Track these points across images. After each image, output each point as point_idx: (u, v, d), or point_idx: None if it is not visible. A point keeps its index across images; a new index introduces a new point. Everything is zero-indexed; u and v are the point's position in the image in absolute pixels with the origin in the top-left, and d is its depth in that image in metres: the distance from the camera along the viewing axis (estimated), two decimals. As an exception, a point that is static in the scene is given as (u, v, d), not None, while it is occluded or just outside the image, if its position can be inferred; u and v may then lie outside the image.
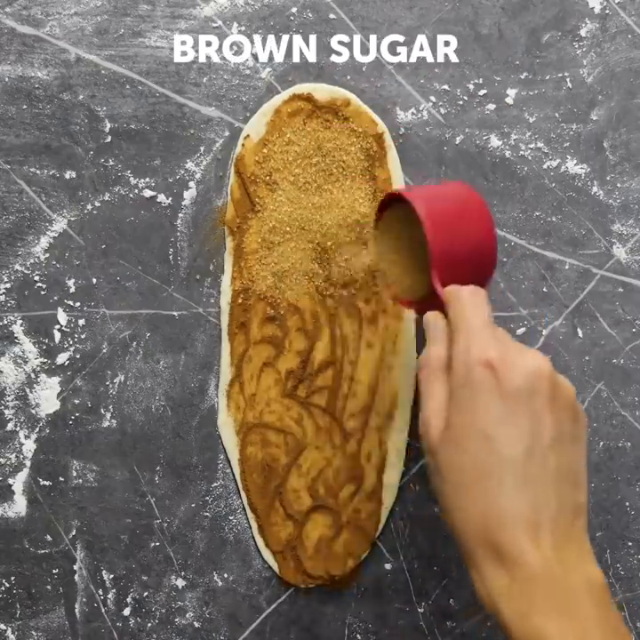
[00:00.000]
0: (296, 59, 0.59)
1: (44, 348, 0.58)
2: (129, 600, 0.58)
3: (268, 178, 0.57)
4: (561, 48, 0.59)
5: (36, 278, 0.58)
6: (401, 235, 0.49)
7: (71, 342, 0.58)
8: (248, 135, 0.58)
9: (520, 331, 0.58)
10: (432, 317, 0.44)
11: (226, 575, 0.58)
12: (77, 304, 0.58)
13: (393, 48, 0.59)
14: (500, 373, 0.39)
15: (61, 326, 0.58)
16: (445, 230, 0.46)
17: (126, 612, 0.58)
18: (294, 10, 0.59)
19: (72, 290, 0.58)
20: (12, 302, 0.58)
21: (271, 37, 0.59)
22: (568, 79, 0.59)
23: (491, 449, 0.38)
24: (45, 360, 0.58)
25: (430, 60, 0.59)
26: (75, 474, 0.58)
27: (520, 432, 0.38)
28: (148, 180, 0.59)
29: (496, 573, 0.37)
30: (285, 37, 0.59)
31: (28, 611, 0.58)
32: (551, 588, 0.36)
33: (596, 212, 0.59)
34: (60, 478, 0.58)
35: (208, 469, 0.58)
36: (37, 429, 0.58)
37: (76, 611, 0.58)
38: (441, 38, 0.59)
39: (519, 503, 0.37)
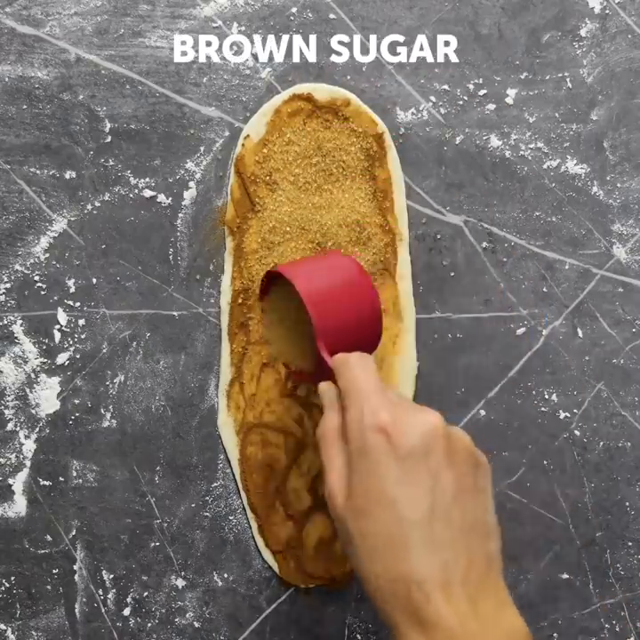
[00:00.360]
0: (296, 59, 0.59)
1: (44, 347, 0.58)
2: (129, 600, 0.58)
3: (268, 178, 0.57)
4: (561, 48, 0.59)
5: (36, 278, 0.58)
6: (288, 308, 0.50)
7: (71, 342, 0.58)
8: (248, 135, 0.58)
9: (520, 331, 0.58)
10: (325, 387, 0.45)
11: (226, 575, 0.58)
12: (77, 304, 0.58)
13: (393, 48, 0.59)
14: (393, 437, 0.39)
15: (61, 326, 0.58)
16: (328, 303, 0.47)
17: (126, 612, 0.58)
18: (294, 10, 0.59)
19: (72, 290, 0.58)
20: (12, 302, 0.58)
21: (271, 37, 0.59)
22: (568, 79, 0.59)
23: (394, 513, 0.38)
24: (45, 360, 0.58)
25: (430, 59, 0.59)
26: (75, 474, 0.58)
27: (421, 493, 0.38)
28: (147, 180, 0.59)
29: (418, 638, 0.37)
30: (285, 37, 0.59)
31: (28, 611, 0.58)
32: None
33: (596, 212, 0.59)
34: (60, 478, 0.58)
35: (208, 469, 0.58)
36: (37, 429, 0.58)
37: (76, 611, 0.58)
38: (441, 38, 0.59)
39: (429, 564, 0.37)
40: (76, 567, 0.58)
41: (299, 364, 0.51)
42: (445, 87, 0.59)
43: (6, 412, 0.58)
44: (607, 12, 0.59)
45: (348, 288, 0.48)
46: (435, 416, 0.41)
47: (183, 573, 0.58)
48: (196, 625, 0.57)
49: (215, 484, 0.58)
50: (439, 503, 0.38)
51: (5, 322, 0.58)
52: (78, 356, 0.58)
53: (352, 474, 0.40)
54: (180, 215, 0.59)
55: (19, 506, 0.58)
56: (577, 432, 0.58)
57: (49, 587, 0.58)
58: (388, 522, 0.38)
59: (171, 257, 0.59)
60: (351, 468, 0.40)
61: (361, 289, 0.48)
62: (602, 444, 0.58)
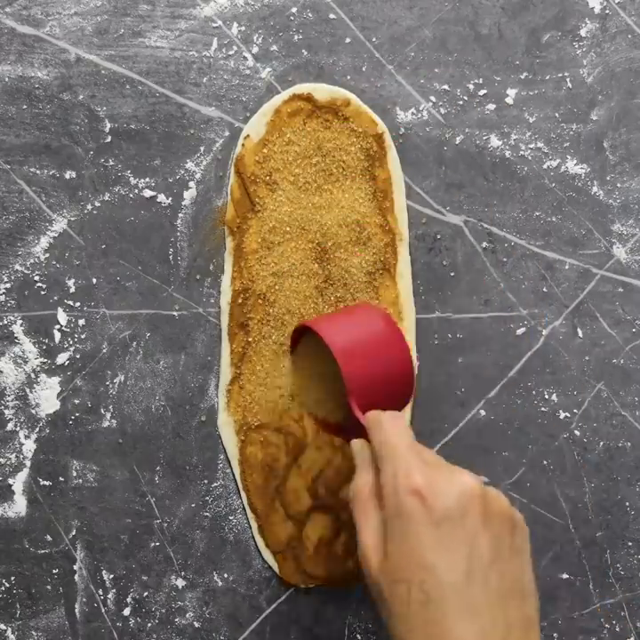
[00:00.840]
0: (296, 59, 0.59)
1: (44, 347, 0.58)
2: (129, 600, 0.58)
3: (268, 178, 0.57)
4: (561, 48, 0.59)
5: (36, 278, 0.58)
6: (318, 361, 0.49)
7: (71, 342, 0.58)
8: (248, 135, 0.58)
9: (520, 331, 0.58)
10: (358, 445, 0.45)
11: (226, 575, 0.58)
12: (77, 304, 0.58)
13: (393, 48, 0.59)
14: (428, 500, 0.38)
15: (61, 326, 0.58)
16: (360, 359, 0.46)
17: (126, 612, 0.58)
18: (294, 10, 0.59)
19: (72, 290, 0.58)
20: (12, 302, 0.58)
21: (271, 37, 0.59)
22: (568, 79, 0.59)
23: (431, 577, 0.37)
24: (45, 360, 0.58)
25: (430, 59, 0.59)
26: (75, 474, 0.58)
27: (457, 557, 0.37)
28: (148, 179, 0.59)
29: None
30: (285, 37, 0.59)
31: (28, 611, 0.58)
32: None
33: (596, 212, 0.59)
34: (60, 478, 0.58)
35: (208, 469, 0.58)
36: (37, 429, 0.58)
37: (76, 611, 0.58)
38: (441, 38, 0.59)
39: (467, 630, 0.37)
40: (75, 567, 0.58)
41: (328, 415, 0.50)
42: (445, 87, 0.59)
43: (6, 412, 0.58)
44: (607, 12, 0.59)
45: (380, 342, 0.47)
46: (470, 477, 0.40)
47: (183, 573, 0.58)
48: (196, 625, 0.57)
49: (215, 484, 0.58)
50: (476, 567, 0.38)
51: (5, 322, 0.58)
52: (78, 356, 0.58)
53: (387, 536, 0.39)
54: (180, 215, 0.59)
55: (19, 506, 0.58)
56: (577, 432, 0.58)
57: (49, 587, 0.58)
58: (426, 586, 0.37)
59: (171, 257, 0.59)
60: (386, 529, 0.40)
61: (393, 343, 0.47)
62: (602, 443, 0.58)
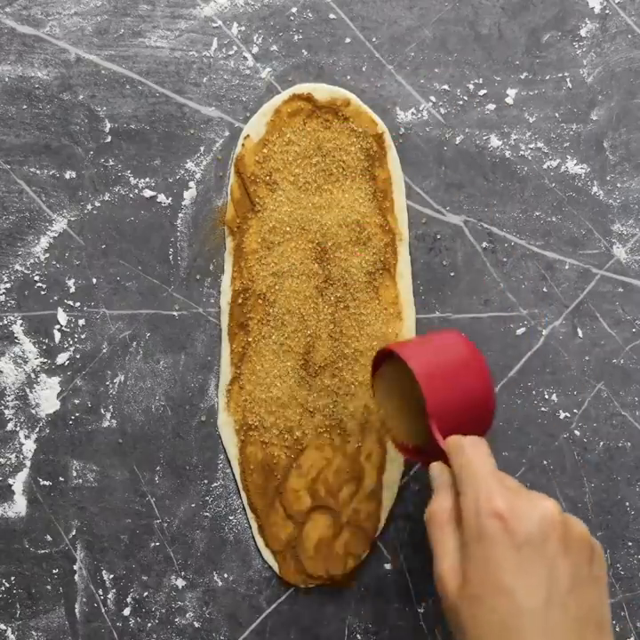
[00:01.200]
0: (296, 59, 0.59)
1: (44, 347, 0.58)
2: (129, 600, 0.58)
3: (268, 178, 0.57)
4: (561, 48, 0.59)
5: (36, 278, 0.58)
6: (401, 383, 0.49)
7: (71, 342, 0.58)
8: (248, 135, 0.58)
9: (520, 331, 0.58)
10: (438, 469, 0.45)
11: (226, 575, 0.58)
12: (77, 304, 0.58)
13: (393, 48, 0.59)
14: (509, 524, 0.38)
15: (61, 326, 0.58)
16: (442, 385, 0.46)
17: (126, 612, 0.58)
18: (294, 10, 0.59)
19: (72, 290, 0.58)
20: (12, 302, 0.58)
21: (271, 37, 0.59)
22: (568, 79, 0.59)
23: (511, 602, 0.37)
24: (45, 360, 0.58)
25: (430, 60, 0.59)
26: (75, 474, 0.58)
27: (537, 582, 0.38)
28: (148, 180, 0.59)
29: None
30: (285, 37, 0.59)
31: (28, 611, 0.58)
32: None
33: (596, 212, 0.59)
34: (60, 478, 0.58)
35: (208, 469, 0.58)
36: (37, 429, 0.58)
37: (76, 611, 0.58)
38: (441, 38, 0.59)
39: None
40: (75, 567, 0.58)
41: (407, 439, 0.50)
42: (445, 87, 0.59)
43: (6, 412, 0.58)
44: (607, 12, 0.59)
45: (461, 368, 0.48)
46: (551, 502, 0.40)
47: (183, 573, 0.58)
48: (196, 625, 0.57)
49: (215, 484, 0.58)
50: (555, 592, 0.38)
51: (5, 322, 0.58)
52: (78, 356, 0.58)
53: (466, 561, 0.39)
54: (180, 215, 0.59)
55: (19, 506, 0.58)
56: (577, 432, 0.58)
57: (49, 587, 0.58)
58: (505, 611, 0.38)
59: (171, 257, 0.59)
60: (465, 553, 0.40)
61: (474, 369, 0.48)
62: (602, 443, 0.58)
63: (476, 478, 0.41)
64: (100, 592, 0.58)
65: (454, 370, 0.48)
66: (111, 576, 0.58)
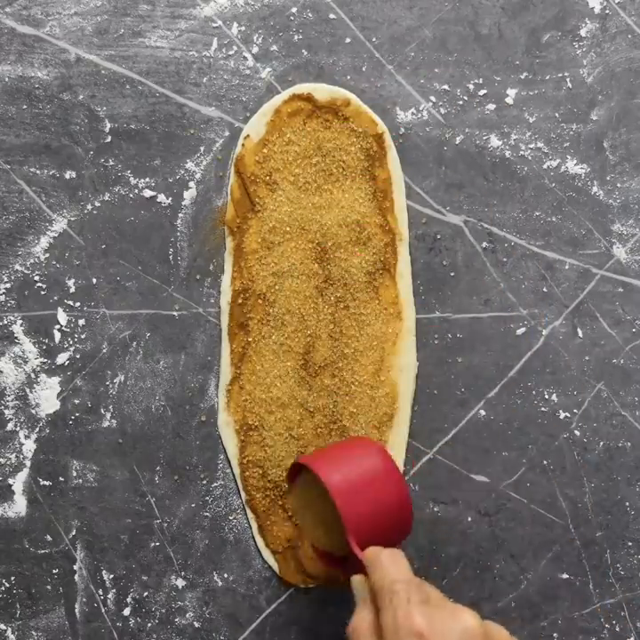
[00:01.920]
0: (296, 59, 0.59)
1: (44, 348, 0.58)
2: (129, 600, 0.58)
3: (268, 178, 0.57)
4: (561, 48, 0.59)
5: (36, 278, 0.58)
6: (318, 492, 0.49)
7: (71, 342, 0.58)
8: (248, 135, 0.58)
9: (520, 331, 0.58)
10: (358, 582, 0.44)
11: (226, 575, 0.58)
12: (77, 304, 0.58)
13: (393, 48, 0.59)
14: None
15: (61, 326, 0.58)
16: (357, 498, 0.46)
17: (126, 612, 0.58)
18: (294, 10, 0.59)
19: (72, 290, 0.58)
20: (12, 302, 0.58)
21: (271, 37, 0.59)
22: (568, 79, 0.59)
23: None
24: (45, 360, 0.58)
25: (430, 59, 0.59)
26: (75, 474, 0.58)
27: None
28: (148, 180, 0.59)
29: None
30: (285, 37, 0.59)
31: (28, 611, 0.58)
32: None
33: (596, 212, 0.59)
34: (60, 478, 0.58)
35: (208, 469, 0.58)
36: (37, 429, 0.58)
37: (76, 611, 0.58)
38: (441, 38, 0.59)
39: None
40: (75, 567, 0.58)
41: (326, 546, 0.50)
42: (445, 87, 0.59)
43: (6, 412, 0.58)
44: (607, 12, 0.59)
45: (377, 479, 0.48)
46: (470, 615, 0.39)
47: (183, 573, 0.58)
48: (196, 625, 0.57)
49: (215, 484, 0.58)
50: None
51: (5, 322, 0.58)
52: (78, 356, 0.58)
53: None
54: (180, 215, 0.59)
55: (19, 506, 0.58)
56: (577, 432, 0.58)
57: (49, 587, 0.58)
58: None
59: (171, 257, 0.59)
60: None
61: (390, 480, 0.48)
62: (602, 443, 0.58)
63: (394, 593, 0.40)
64: (100, 592, 0.58)
65: (369, 481, 0.47)
66: (111, 576, 0.58)
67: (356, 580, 0.45)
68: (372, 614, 0.42)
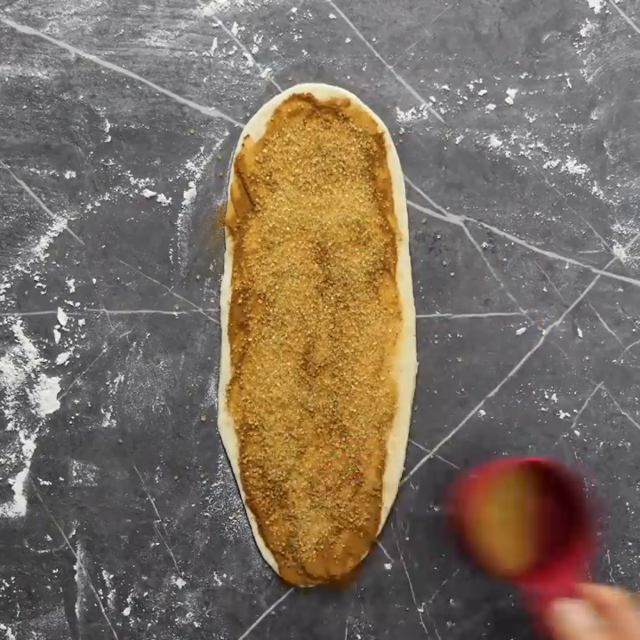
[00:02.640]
0: (296, 59, 0.59)
1: (44, 348, 0.58)
2: (129, 600, 0.58)
3: (268, 178, 0.57)
4: (561, 48, 0.59)
5: (36, 278, 0.58)
6: (510, 505, 0.50)
7: (71, 342, 0.58)
8: (248, 135, 0.58)
9: (520, 331, 0.58)
10: (574, 610, 0.45)
11: (226, 575, 0.58)
12: (77, 304, 0.58)
13: (393, 48, 0.59)
14: None
15: (61, 326, 0.58)
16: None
17: (126, 612, 0.58)
18: (294, 10, 0.59)
19: (72, 290, 0.58)
20: (12, 302, 0.58)
21: (271, 37, 0.59)
22: (568, 79, 0.59)
23: None
24: (45, 360, 0.58)
25: (430, 59, 0.59)
26: (75, 474, 0.58)
27: None
28: (148, 180, 0.59)
29: None
30: (285, 37, 0.59)
31: (28, 611, 0.58)
32: None
33: (596, 212, 0.59)
34: (60, 478, 0.58)
35: (208, 469, 0.58)
36: (37, 429, 0.58)
37: (76, 611, 0.58)
38: (441, 38, 0.59)
39: None
40: (75, 567, 0.58)
41: (512, 560, 0.51)
42: (445, 87, 0.59)
43: (6, 412, 0.58)
44: (607, 12, 0.59)
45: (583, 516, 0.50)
46: None
47: (183, 573, 0.58)
48: (196, 625, 0.57)
49: (215, 484, 0.58)
50: None
51: (5, 322, 0.58)
52: (78, 356, 0.58)
53: None
54: (180, 215, 0.59)
55: (19, 506, 0.58)
56: (577, 432, 0.58)
57: (49, 587, 0.58)
58: None
59: (171, 257, 0.59)
60: None
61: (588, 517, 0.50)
62: (602, 443, 0.58)
63: None
64: (100, 592, 0.58)
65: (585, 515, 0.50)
66: (111, 576, 0.58)
67: (571, 607, 0.45)
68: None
